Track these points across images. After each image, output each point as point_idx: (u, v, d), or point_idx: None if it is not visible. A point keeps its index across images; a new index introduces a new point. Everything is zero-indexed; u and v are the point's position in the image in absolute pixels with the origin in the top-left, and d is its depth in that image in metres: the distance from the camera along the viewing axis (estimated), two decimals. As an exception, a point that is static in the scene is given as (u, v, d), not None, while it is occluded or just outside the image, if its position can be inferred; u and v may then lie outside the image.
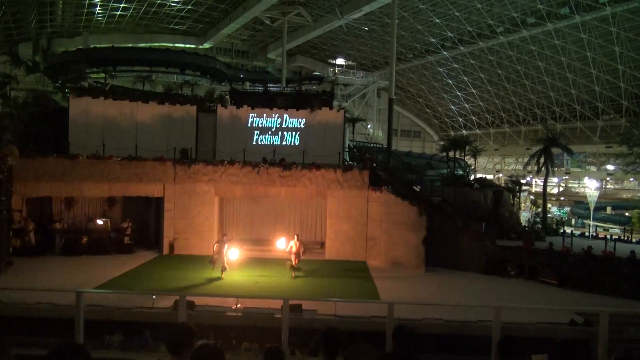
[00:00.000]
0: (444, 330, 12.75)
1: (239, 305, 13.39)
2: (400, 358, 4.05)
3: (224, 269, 16.77)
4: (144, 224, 23.29)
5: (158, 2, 41.88)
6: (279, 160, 22.08)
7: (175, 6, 43.41)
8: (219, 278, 16.68)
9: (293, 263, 17.69)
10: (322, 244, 22.60)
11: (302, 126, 24.33)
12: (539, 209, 33.54)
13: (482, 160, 52.36)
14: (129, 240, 21.42)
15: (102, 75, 30.19)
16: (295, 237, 18.25)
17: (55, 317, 11.48)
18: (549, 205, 35.95)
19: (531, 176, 46.11)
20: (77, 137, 22.04)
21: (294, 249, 17.79)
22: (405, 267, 19.69)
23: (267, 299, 13.90)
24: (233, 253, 17.32)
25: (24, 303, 12.59)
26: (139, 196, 22.41)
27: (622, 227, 31.10)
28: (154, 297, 13.52)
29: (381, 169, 23.44)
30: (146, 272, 17.94)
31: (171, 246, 21.22)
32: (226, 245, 17.10)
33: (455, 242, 20.37)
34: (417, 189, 23.84)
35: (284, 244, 18.77)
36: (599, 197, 37.10)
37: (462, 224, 20.31)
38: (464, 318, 13.01)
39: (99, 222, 21.49)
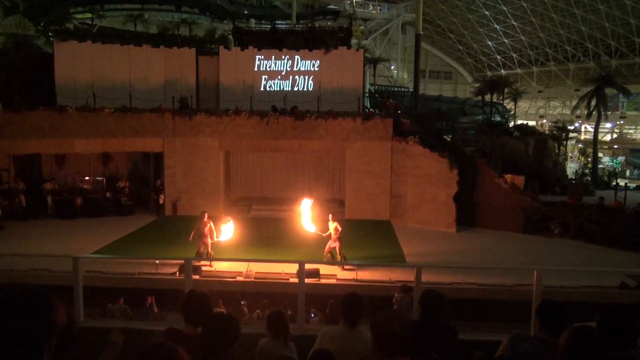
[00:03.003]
0: (478, 296, 12.91)
1: (250, 271, 13.71)
2: (429, 325, 4.10)
3: (210, 257, 14.51)
4: (143, 182, 23.64)
5: None
6: (290, 109, 21.93)
7: None
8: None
9: (337, 253, 14.77)
10: (341, 202, 22.74)
11: (316, 69, 24.01)
12: (589, 159, 33.04)
13: (523, 105, 51.22)
14: (128, 201, 21.83)
15: (89, 15, 29.88)
16: (330, 216, 15.13)
17: (52, 284, 11.90)
18: (600, 154, 35.37)
19: (580, 121, 45.12)
20: (64, 86, 22.12)
21: (333, 234, 14.74)
22: (435, 227, 19.77)
23: (280, 263, 14.15)
24: (227, 229, 14.75)
25: (18, 270, 13.05)
26: (136, 152, 22.67)
27: (685, 179, 30.54)
28: (158, 262, 13.88)
29: (407, 116, 23.14)
30: (148, 235, 18.36)
31: (174, 206, 21.59)
32: (208, 225, 14.83)
33: (490, 197, 20.28)
34: (448, 138, 23.60)
35: (312, 225, 15.19)
36: (659, 145, 36.28)
37: (499, 178, 20.16)
38: (500, 282, 13.14)
39: (86, 178, 21.93)
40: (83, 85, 22.47)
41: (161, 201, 21.48)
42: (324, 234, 15.01)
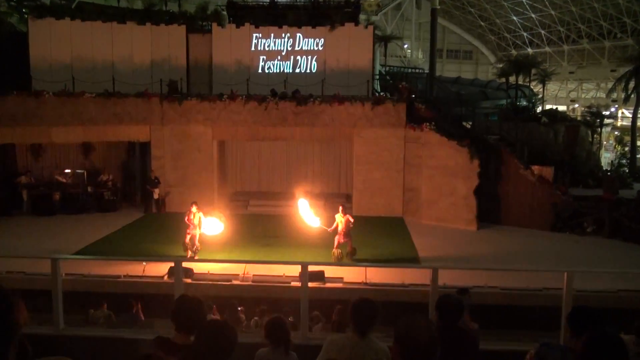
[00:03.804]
0: (501, 301, 12.91)
1: (247, 273, 13.74)
2: (446, 333, 4.10)
3: (196, 249, 15.17)
4: (128, 175, 23.69)
5: None
6: (291, 93, 21.91)
7: None
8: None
9: (347, 249, 15.15)
10: (348, 197, 22.74)
11: (320, 48, 23.93)
12: (626, 149, 32.92)
13: (552, 87, 51.03)
14: (111, 196, 21.90)
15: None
16: (340, 209, 15.42)
17: (30, 288, 11.96)
18: (639, 143, 35.19)
19: (617, 106, 44.94)
20: (40, 69, 22.13)
21: (340, 227, 15.00)
22: (453, 224, 19.76)
23: (281, 265, 14.18)
24: (213, 226, 15.17)
25: (-9, 272, 13.13)
26: (120, 141, 22.70)
27: None
28: (145, 263, 13.93)
29: (422, 100, 23.09)
30: (134, 234, 18.40)
31: (162, 202, 21.64)
32: (198, 217, 15.28)
33: (516, 191, 20.25)
34: (468, 125, 23.55)
35: (314, 219, 15.38)
36: None
37: (526, 169, 20.11)
38: (526, 286, 13.13)
39: (66, 171, 22.02)
40: (61, 67, 22.47)
41: (156, 196, 21.47)
42: (330, 229, 15.22)
